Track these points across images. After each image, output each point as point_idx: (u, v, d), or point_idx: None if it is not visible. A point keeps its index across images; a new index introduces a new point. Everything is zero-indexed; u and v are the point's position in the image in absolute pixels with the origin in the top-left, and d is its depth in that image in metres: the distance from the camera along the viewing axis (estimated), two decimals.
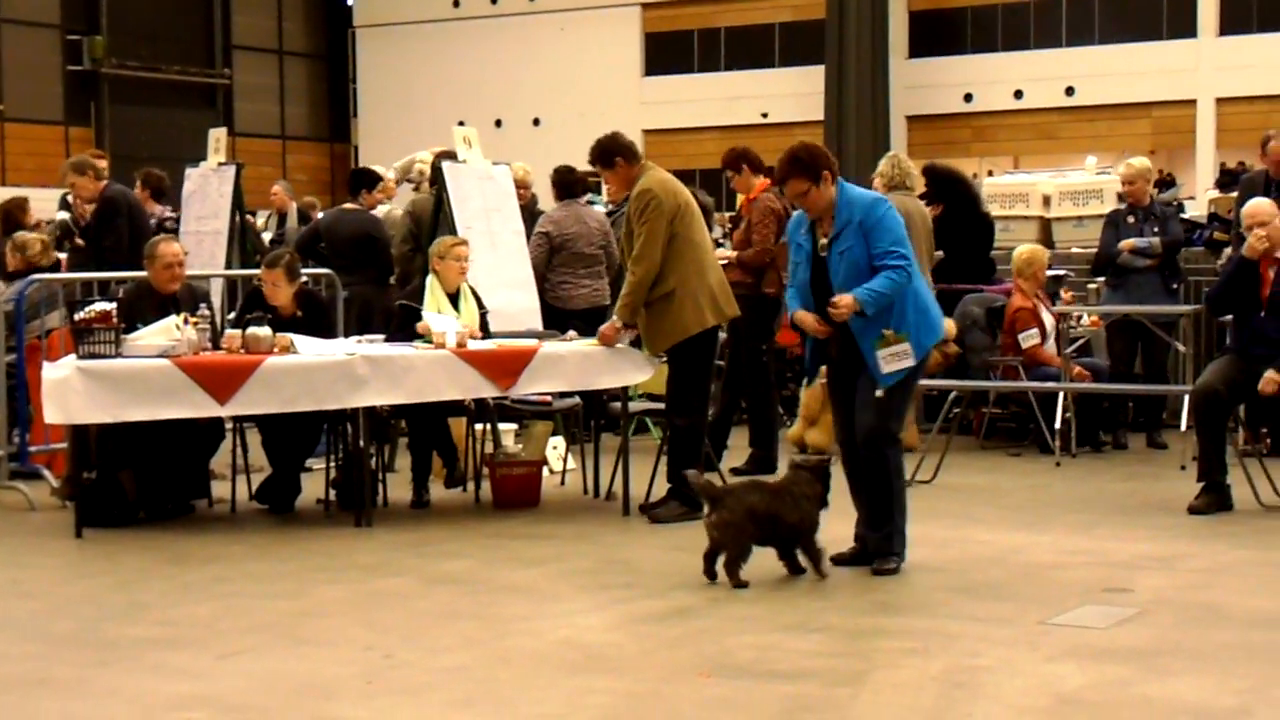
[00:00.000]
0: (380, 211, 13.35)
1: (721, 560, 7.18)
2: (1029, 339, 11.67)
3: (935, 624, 6.52)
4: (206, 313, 9.21)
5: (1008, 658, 5.96)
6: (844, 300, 7.30)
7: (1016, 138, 32.05)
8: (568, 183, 12.17)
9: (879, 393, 7.36)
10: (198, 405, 8.56)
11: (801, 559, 7.35)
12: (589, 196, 12.89)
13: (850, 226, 7.37)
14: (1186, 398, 10.21)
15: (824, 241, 7.48)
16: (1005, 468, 11.16)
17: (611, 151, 9.01)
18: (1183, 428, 10.94)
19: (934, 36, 32.68)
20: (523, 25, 35.74)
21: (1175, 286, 12.05)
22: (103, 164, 12.35)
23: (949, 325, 11.51)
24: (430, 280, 9.79)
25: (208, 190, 13.46)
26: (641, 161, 9.06)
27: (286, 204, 16.84)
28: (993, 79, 31.82)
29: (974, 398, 11.77)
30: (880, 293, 7.28)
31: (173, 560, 8.08)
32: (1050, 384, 11.32)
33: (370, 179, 13.26)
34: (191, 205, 13.56)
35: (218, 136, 13.98)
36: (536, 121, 34.96)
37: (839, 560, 7.54)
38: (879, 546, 7.54)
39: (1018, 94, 31.76)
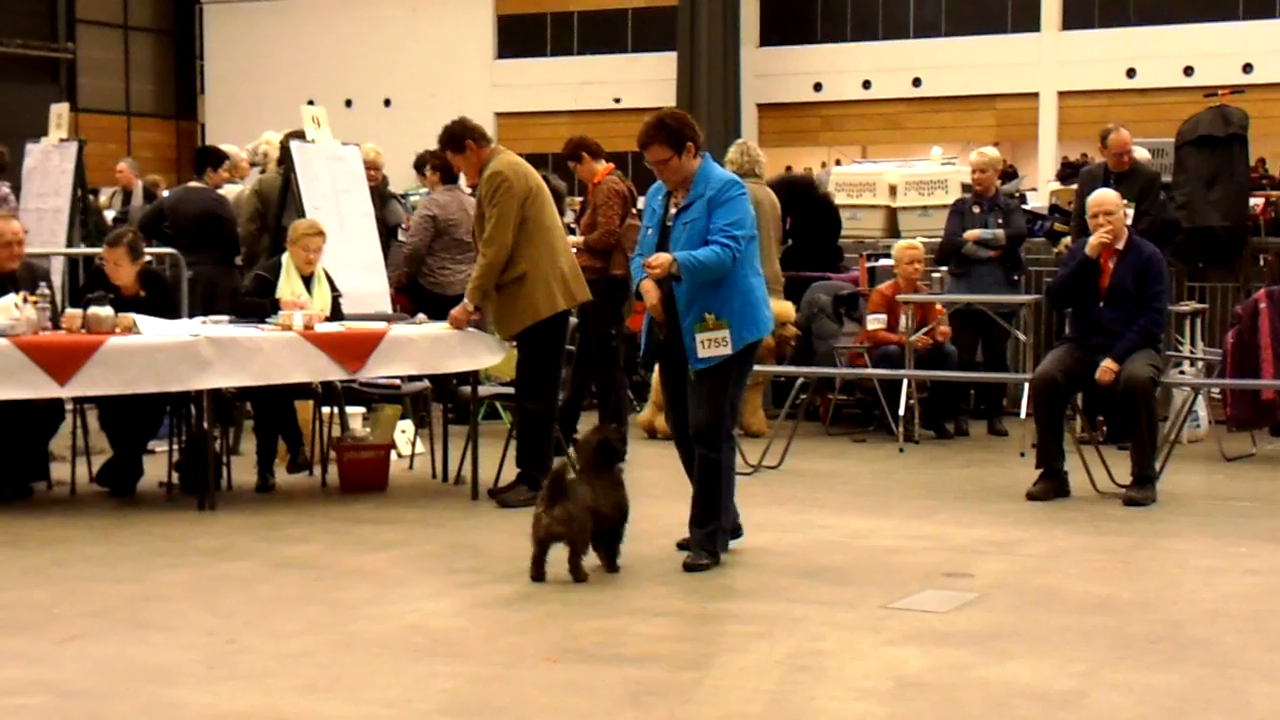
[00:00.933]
0: (230, 191, 13.15)
1: (566, 555, 6.99)
2: (874, 322, 11.86)
3: (779, 608, 6.59)
4: (46, 292, 9.01)
5: (850, 641, 6.05)
6: (659, 258, 7.13)
7: (864, 127, 32.41)
8: (450, 167, 12.07)
9: (690, 375, 7.30)
10: (37, 386, 8.39)
11: (597, 552, 7.18)
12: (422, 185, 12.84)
13: (701, 200, 7.27)
14: (1026, 386, 10.41)
15: (672, 211, 7.38)
16: (850, 453, 11.31)
17: (461, 136, 8.97)
18: (1022, 415, 11.17)
19: (785, 25, 32.92)
20: (374, 5, 35.39)
21: (1016, 278, 12.29)
22: None
23: (788, 310, 11.68)
24: (285, 261, 9.71)
25: (49, 167, 13.20)
26: (491, 145, 9.04)
27: (132, 182, 16.53)
28: (842, 69, 32.15)
29: (820, 384, 11.91)
30: (701, 261, 7.11)
31: (10, 543, 7.91)
32: (896, 371, 11.48)
33: (216, 157, 13.06)
34: (32, 182, 13.29)
35: (60, 112, 13.69)
36: (387, 102, 34.66)
37: (683, 545, 7.53)
38: (701, 543, 7.41)
39: (866, 84, 32.12)
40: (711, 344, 7.23)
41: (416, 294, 11.71)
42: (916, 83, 31.66)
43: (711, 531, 7.44)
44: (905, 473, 10.43)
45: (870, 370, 11.65)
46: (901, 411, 11.48)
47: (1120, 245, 9.35)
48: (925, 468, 10.61)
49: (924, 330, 11.87)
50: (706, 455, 7.39)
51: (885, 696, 5.37)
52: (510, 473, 9.22)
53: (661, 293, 7.38)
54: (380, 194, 12.73)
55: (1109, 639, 6.13)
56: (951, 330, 12.15)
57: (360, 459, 9.56)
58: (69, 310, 8.97)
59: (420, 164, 13.33)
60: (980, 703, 5.29)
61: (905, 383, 11.50)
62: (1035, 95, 30.94)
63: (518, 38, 34.84)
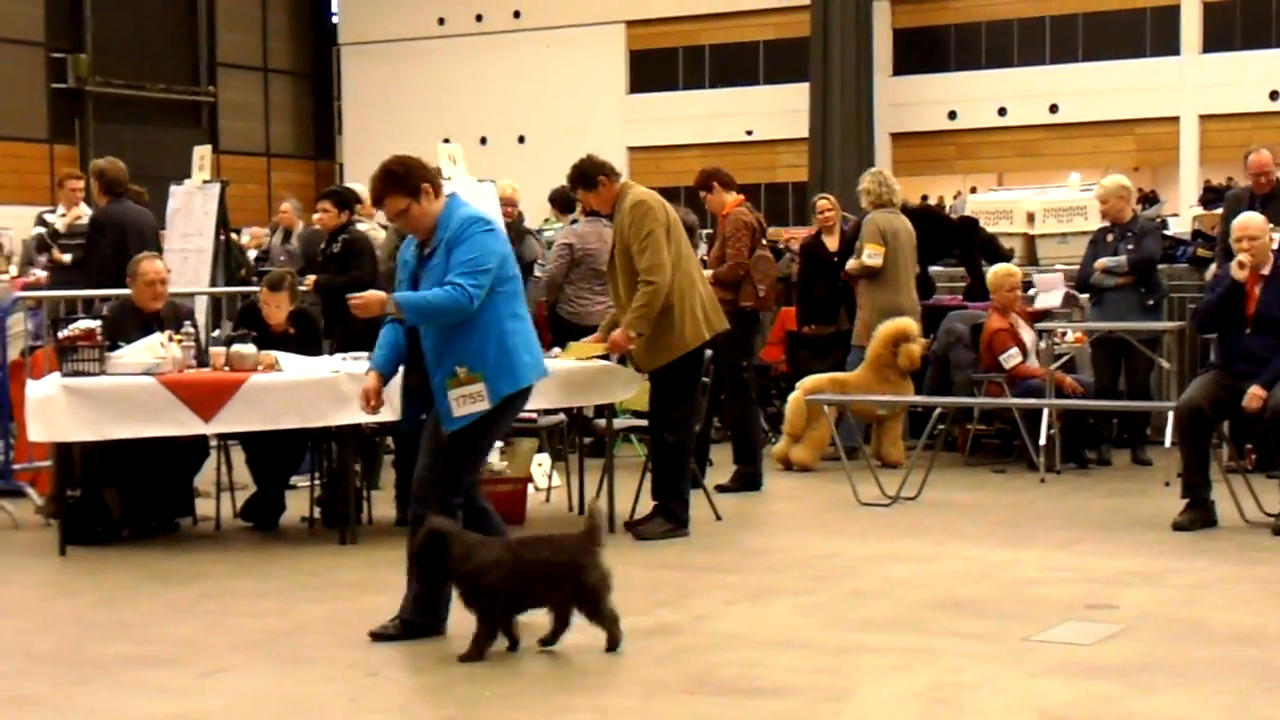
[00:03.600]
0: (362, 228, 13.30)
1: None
2: (1010, 359, 11.66)
3: (919, 640, 6.52)
4: (191, 330, 9.20)
5: (991, 674, 5.96)
6: (364, 295, 6.61)
7: (1000, 155, 32.16)
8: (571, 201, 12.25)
9: (443, 432, 6.59)
10: (182, 423, 8.54)
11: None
12: (573, 216, 12.92)
13: (441, 244, 6.60)
14: (1171, 414, 10.23)
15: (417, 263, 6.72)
16: (990, 484, 11.16)
17: (592, 173, 9.02)
18: (1167, 444, 10.96)
19: (918, 54, 32.78)
20: (508, 43, 35.81)
21: (1152, 303, 12.03)
22: (115, 176, 12.13)
23: (912, 325, 11.57)
24: None
25: (192, 208, 13.44)
26: (622, 179, 9.09)
27: (294, 222, 16.75)
28: (977, 96, 31.94)
29: (959, 414, 11.77)
30: (428, 301, 6.47)
31: (156, 578, 8.06)
32: (1034, 400, 11.32)
33: (350, 197, 13.22)
34: (176, 223, 13.54)
35: (202, 154, 13.94)
36: (521, 139, 35.00)
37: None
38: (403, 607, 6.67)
39: (1001, 111, 31.87)
40: (465, 400, 6.53)
41: (555, 323, 11.79)
42: (1053, 109, 31.36)
43: (417, 595, 6.61)
44: (1046, 503, 10.28)
45: (1009, 400, 11.49)
46: (1042, 441, 11.30)
47: (1266, 270, 9.16)
48: (1067, 498, 10.44)
49: (1060, 363, 11.71)
50: (419, 515, 6.53)
51: None
52: (646, 505, 9.22)
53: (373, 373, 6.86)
54: (516, 230, 12.83)
55: (1257, 671, 5.98)
56: (1091, 356, 11.98)
57: (497, 492, 9.58)
58: (213, 348, 9.14)
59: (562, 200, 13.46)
60: None
61: (1045, 412, 11.33)
62: (1176, 119, 30.51)
63: (650, 72, 35.04)
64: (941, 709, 5.53)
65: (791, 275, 14.02)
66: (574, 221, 12.49)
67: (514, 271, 6.73)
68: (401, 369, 6.87)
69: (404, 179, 6.60)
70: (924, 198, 26.81)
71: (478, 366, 6.55)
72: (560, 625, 6.33)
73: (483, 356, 6.56)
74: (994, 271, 12.18)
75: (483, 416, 6.58)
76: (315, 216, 11.89)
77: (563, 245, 11.93)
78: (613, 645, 6.30)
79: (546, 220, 15.87)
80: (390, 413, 7.52)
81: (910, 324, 11.72)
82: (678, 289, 8.78)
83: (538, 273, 13.04)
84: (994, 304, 11.94)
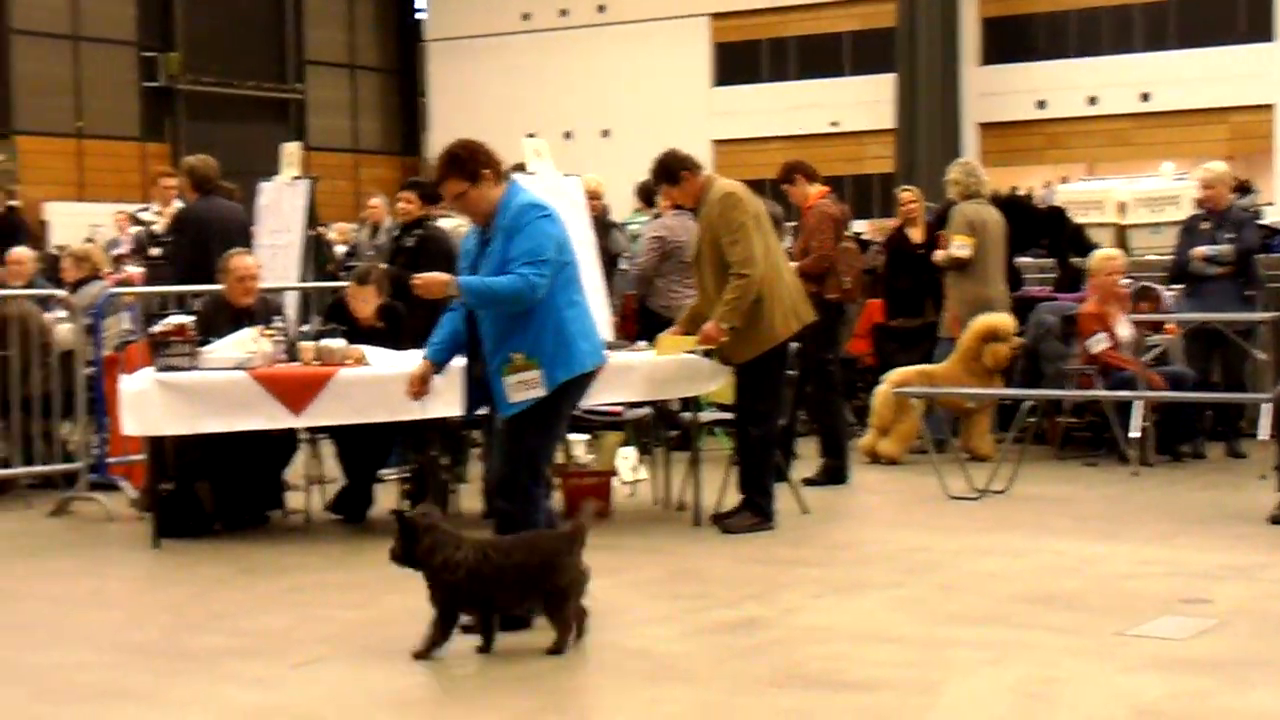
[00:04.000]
0: (448, 225, 13.36)
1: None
2: (1096, 343, 11.51)
3: (1010, 634, 6.46)
4: (281, 325, 9.28)
5: (1084, 669, 5.90)
6: (425, 276, 6.66)
7: (1090, 144, 31.79)
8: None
9: (499, 419, 6.68)
10: (273, 416, 8.62)
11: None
12: (655, 210, 12.89)
13: (500, 231, 6.61)
14: (1266, 406, 10.08)
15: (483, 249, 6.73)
16: (1081, 477, 11.04)
17: (675, 167, 9.00)
18: (1262, 436, 10.79)
19: (1006, 43, 32.48)
20: (592, 37, 35.84)
21: (1249, 294, 11.87)
22: (205, 173, 12.23)
23: (1008, 323, 11.43)
24: None
25: (281, 204, 13.55)
26: (705, 172, 9.06)
27: (383, 217, 16.84)
28: (1066, 85, 31.60)
29: (1049, 407, 11.66)
30: (490, 287, 6.51)
31: (248, 570, 8.14)
32: (1125, 393, 11.18)
33: (434, 190, 13.26)
34: (265, 219, 13.66)
35: (291, 151, 14.05)
36: (606, 133, 35.01)
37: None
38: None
39: (1092, 100, 31.52)
40: (522, 386, 6.56)
41: (644, 316, 11.77)
42: (1145, 97, 30.97)
43: None
44: (1139, 496, 10.16)
45: (1099, 392, 11.35)
46: (1136, 434, 11.16)
47: None
48: (1160, 491, 10.32)
49: (1152, 355, 11.55)
50: (501, 510, 6.72)
51: None
52: (732, 498, 9.20)
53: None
54: (602, 223, 12.83)
55: None
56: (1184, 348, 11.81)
57: (584, 485, 9.63)
58: (302, 343, 9.21)
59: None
60: None
61: (1137, 405, 11.18)
62: (1269, 107, 30.05)
63: (734, 65, 34.95)
64: (1033, 704, 5.48)
65: (877, 268, 13.95)
66: (656, 215, 12.46)
67: (570, 257, 6.71)
68: (461, 358, 6.91)
69: (465, 163, 6.62)
70: (1014, 188, 26.58)
71: (534, 353, 6.57)
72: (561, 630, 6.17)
73: (540, 344, 6.57)
74: (1095, 256, 12.03)
75: (545, 404, 6.61)
76: (397, 206, 11.93)
77: (653, 238, 11.90)
78: (558, 649, 6.13)
79: (636, 211, 15.88)
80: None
81: (1006, 322, 11.56)
82: (766, 281, 8.74)
83: (623, 265, 13.03)
84: (1092, 289, 11.78)
